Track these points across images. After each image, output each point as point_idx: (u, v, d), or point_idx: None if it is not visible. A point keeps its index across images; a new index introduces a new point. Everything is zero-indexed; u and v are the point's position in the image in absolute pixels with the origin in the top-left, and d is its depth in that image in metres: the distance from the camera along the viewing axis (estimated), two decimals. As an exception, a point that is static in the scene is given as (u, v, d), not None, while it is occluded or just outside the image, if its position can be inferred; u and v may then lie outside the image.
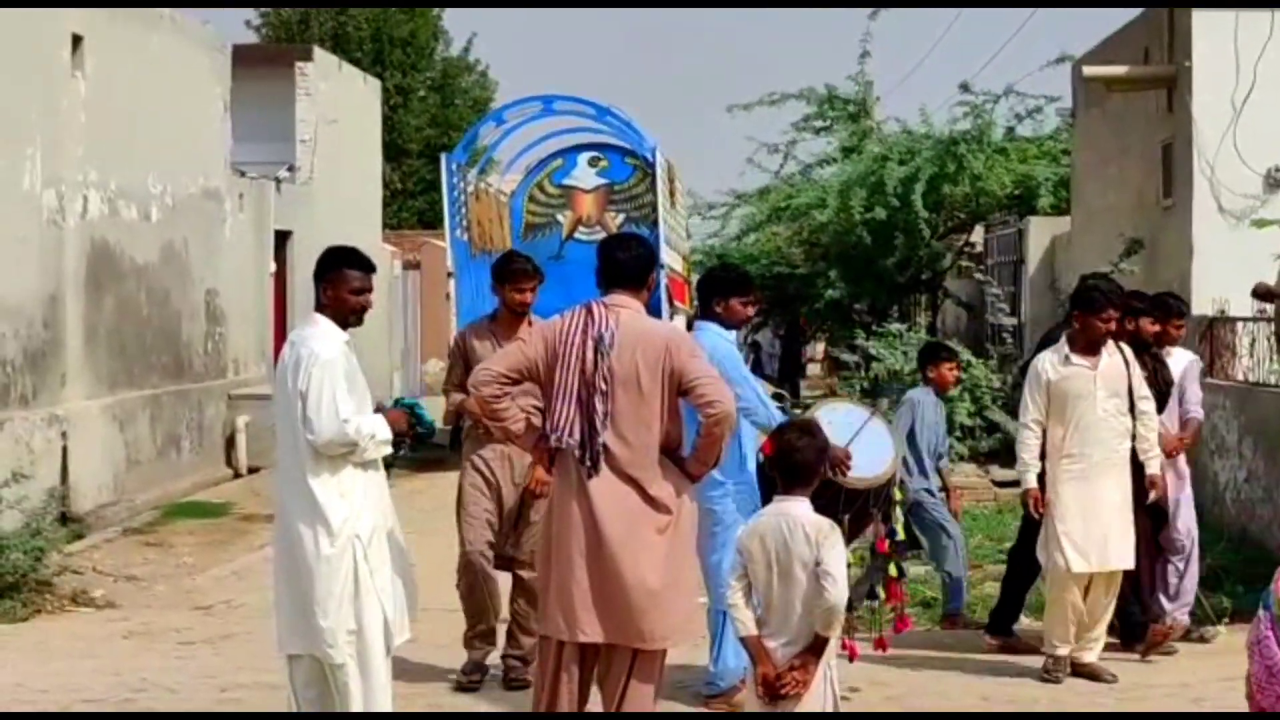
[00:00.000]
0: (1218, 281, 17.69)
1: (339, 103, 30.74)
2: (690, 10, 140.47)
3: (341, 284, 8.45)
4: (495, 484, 10.72)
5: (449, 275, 25.04)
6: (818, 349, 45.58)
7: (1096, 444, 10.90)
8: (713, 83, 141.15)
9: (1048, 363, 11.07)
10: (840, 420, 10.24)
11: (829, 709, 7.30)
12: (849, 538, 10.28)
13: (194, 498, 21.34)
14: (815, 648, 7.20)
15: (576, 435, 8.04)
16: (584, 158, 27.97)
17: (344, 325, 8.46)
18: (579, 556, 8.03)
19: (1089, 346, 10.97)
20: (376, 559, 8.30)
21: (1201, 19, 18.93)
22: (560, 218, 27.79)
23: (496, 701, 10.54)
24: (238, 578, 15.96)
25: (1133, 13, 22.03)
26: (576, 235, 27.58)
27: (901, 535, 10.79)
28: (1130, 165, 21.83)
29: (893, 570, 10.68)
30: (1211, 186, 18.53)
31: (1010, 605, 12.21)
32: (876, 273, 31.84)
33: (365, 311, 8.56)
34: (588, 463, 8.02)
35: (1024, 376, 20.20)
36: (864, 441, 10.15)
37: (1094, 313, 10.90)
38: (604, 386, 8.02)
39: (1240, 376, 16.70)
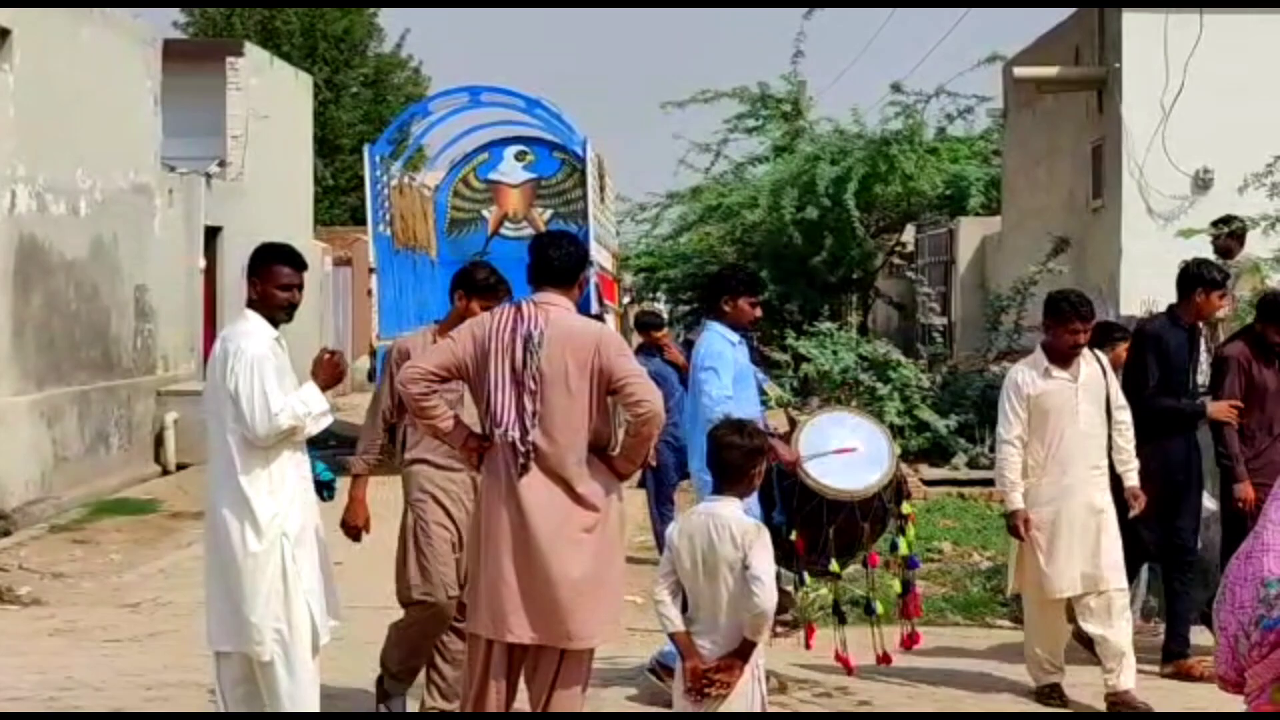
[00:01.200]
0: (1146, 282, 17.77)
1: (270, 98, 30.59)
2: (625, 10, 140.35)
3: (270, 279, 8.42)
4: (456, 520, 9.61)
5: (371, 271, 24.86)
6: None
7: (1078, 460, 10.38)
8: (646, 84, 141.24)
9: (1027, 376, 10.49)
10: (835, 429, 10.23)
11: (756, 709, 7.31)
12: (837, 552, 10.27)
13: (122, 495, 21.20)
14: (741, 651, 7.19)
15: (516, 431, 8.02)
16: (510, 152, 27.73)
17: (273, 321, 8.43)
18: (507, 556, 8.01)
19: (1064, 358, 10.45)
20: (303, 558, 8.27)
21: (1132, 21, 19.04)
22: (485, 213, 27.55)
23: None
24: (165, 575, 15.88)
25: (1064, 14, 22.16)
26: (502, 231, 27.38)
27: (905, 550, 10.64)
28: (1060, 166, 21.95)
29: (897, 586, 10.63)
30: (1140, 188, 18.66)
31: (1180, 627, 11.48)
32: (808, 272, 31.95)
33: (294, 308, 8.53)
34: (520, 461, 8.00)
35: (954, 376, 20.42)
36: (854, 453, 10.10)
37: (1061, 323, 10.40)
38: (533, 385, 7.99)
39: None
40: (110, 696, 10.82)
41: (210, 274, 27.04)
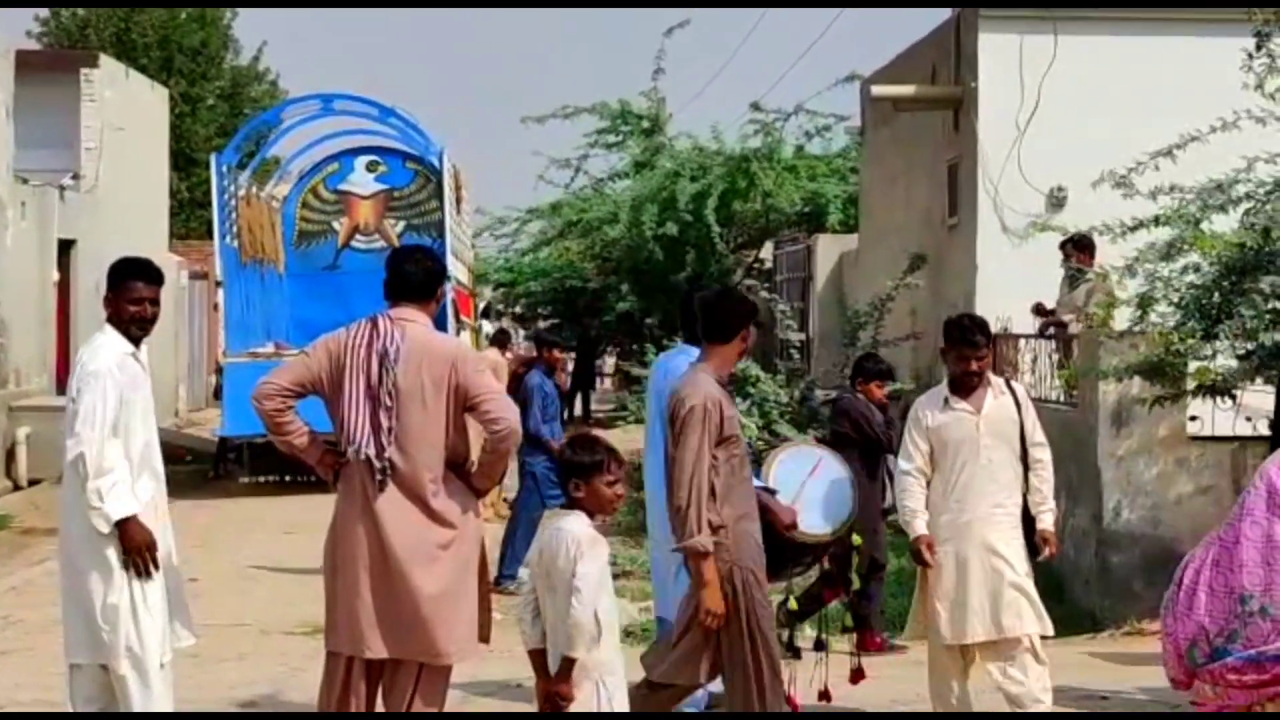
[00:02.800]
0: (1001, 299, 17.93)
1: (125, 110, 30.30)
2: (485, 23, 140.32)
3: (123, 294, 8.35)
4: None
5: (217, 284, 24.45)
6: (610, 363, 45.69)
7: (979, 497, 9.53)
8: (505, 99, 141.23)
9: (926, 408, 9.74)
10: (799, 466, 10.12)
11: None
12: (786, 581, 10.29)
13: (-28, 511, 20.91)
14: (560, 671, 7.04)
15: (372, 448, 7.98)
16: (361, 162, 27.27)
17: (130, 337, 8.35)
18: (364, 572, 7.98)
19: (964, 387, 9.64)
20: (155, 571, 8.20)
21: (987, 40, 19.23)
22: (336, 225, 27.11)
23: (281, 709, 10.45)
24: (17, 593, 15.66)
25: (921, 32, 22.35)
26: (353, 244, 26.97)
27: (856, 584, 10.54)
28: (917, 184, 22.11)
29: (847, 620, 10.56)
30: (995, 206, 18.83)
31: None
32: (668, 287, 32.00)
33: (147, 322, 8.44)
34: (377, 478, 7.96)
35: (811, 391, 20.49)
36: (821, 492, 9.90)
37: (951, 348, 9.68)
38: (389, 402, 7.97)
39: (1022, 393, 16.95)
40: (-41, 716, 10.66)
41: (64, 287, 26.70)
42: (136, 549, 8.08)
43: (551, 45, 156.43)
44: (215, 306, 25.40)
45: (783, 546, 9.90)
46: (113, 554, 8.08)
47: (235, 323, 24.16)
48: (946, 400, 9.69)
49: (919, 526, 9.64)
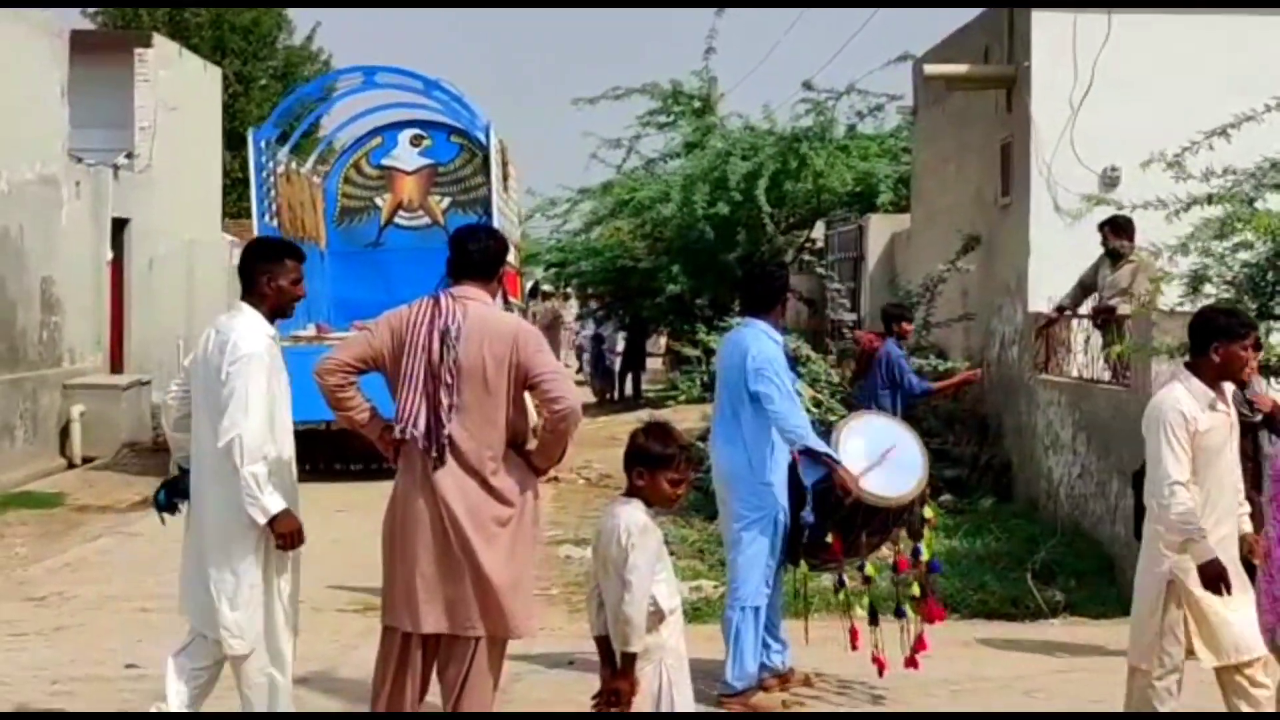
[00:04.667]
0: (1053, 279, 17.89)
1: (179, 90, 30.37)
2: (537, 9, 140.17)
3: (283, 274, 8.38)
4: None
5: None
6: (659, 343, 45.64)
7: (1228, 508, 8.62)
8: (557, 80, 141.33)
9: (1194, 409, 8.53)
10: (871, 435, 10.28)
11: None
12: (860, 552, 10.33)
13: (27, 488, 21.03)
14: (621, 668, 6.93)
15: (422, 426, 8.02)
16: (405, 136, 26.56)
17: (274, 317, 8.40)
18: (423, 547, 8.03)
19: (1223, 386, 8.65)
20: (284, 556, 8.27)
21: (1041, 20, 19.14)
22: (379, 201, 26.39)
23: (349, 700, 10.51)
24: (71, 569, 15.76)
25: (974, 12, 22.25)
26: (396, 221, 26.29)
27: (927, 555, 10.63)
28: (969, 164, 22.03)
29: (915, 590, 10.63)
30: (1049, 186, 18.72)
31: None
32: (719, 267, 31.97)
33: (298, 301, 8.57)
34: (434, 455, 8.00)
35: (863, 371, 20.38)
36: (891, 459, 10.17)
37: (1231, 340, 8.57)
38: (450, 379, 8.00)
39: (1074, 374, 16.92)
40: (15, 691, 10.73)
41: (117, 266, 26.81)
42: (287, 537, 8.15)
43: (601, 26, 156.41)
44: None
45: (853, 509, 9.96)
46: (249, 540, 8.15)
47: None
48: (1214, 404, 8.58)
49: (1212, 549, 8.39)
